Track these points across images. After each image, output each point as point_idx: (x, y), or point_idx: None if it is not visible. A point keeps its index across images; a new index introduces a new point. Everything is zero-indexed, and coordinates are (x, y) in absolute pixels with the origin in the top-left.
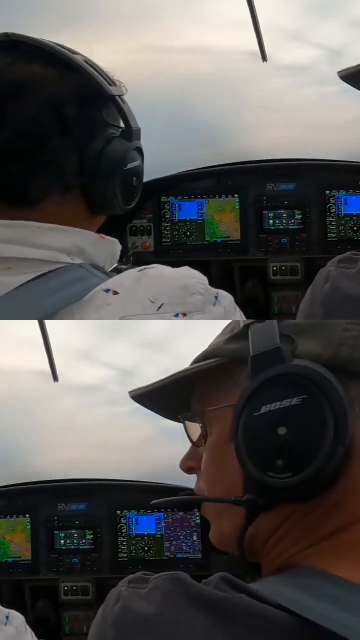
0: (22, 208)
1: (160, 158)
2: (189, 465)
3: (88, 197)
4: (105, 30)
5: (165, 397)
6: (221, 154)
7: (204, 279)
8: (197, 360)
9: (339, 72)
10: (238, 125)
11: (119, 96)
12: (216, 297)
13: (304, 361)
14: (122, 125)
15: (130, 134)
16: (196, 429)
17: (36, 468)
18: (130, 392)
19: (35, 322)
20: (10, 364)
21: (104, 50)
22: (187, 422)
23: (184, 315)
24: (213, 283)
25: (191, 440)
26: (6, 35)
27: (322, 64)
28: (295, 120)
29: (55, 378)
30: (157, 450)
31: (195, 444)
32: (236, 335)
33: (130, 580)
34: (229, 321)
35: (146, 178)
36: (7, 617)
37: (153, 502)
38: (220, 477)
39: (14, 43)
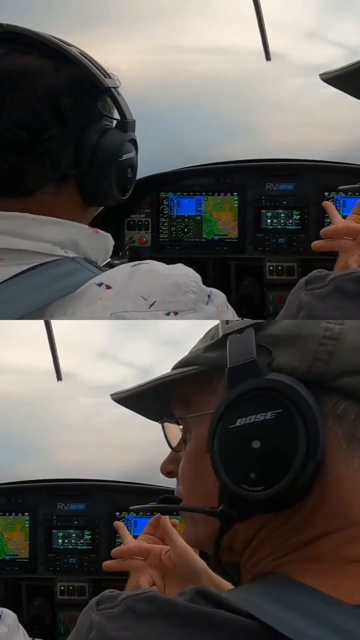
0: (17, 198)
1: (170, 157)
2: (169, 468)
3: (83, 188)
4: (121, 30)
5: (147, 401)
6: (234, 153)
7: (197, 276)
8: (177, 366)
9: (320, 75)
10: (253, 125)
11: (114, 88)
12: (209, 296)
13: (279, 375)
14: (117, 116)
15: (125, 125)
16: (176, 433)
17: (48, 467)
18: (111, 395)
19: (42, 323)
20: (26, 363)
21: (119, 50)
22: (167, 426)
23: (176, 313)
24: (209, 280)
25: (170, 445)
26: (0, 25)
27: (340, 63)
28: (311, 120)
29: (59, 377)
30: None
31: (174, 449)
32: (215, 344)
33: (98, 602)
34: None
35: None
36: (0, 616)
37: (132, 507)
38: (198, 486)
39: (8, 34)
